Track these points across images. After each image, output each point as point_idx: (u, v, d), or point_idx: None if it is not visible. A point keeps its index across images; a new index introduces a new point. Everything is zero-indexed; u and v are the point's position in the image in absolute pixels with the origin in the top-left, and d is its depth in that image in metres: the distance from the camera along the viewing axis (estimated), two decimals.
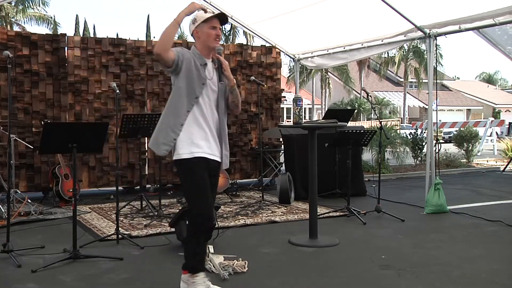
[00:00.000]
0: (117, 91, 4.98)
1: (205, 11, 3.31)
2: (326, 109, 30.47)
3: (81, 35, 33.46)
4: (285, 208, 6.55)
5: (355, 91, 36.04)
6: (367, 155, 9.76)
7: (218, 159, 3.35)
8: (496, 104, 43.64)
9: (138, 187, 7.17)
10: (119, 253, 4.36)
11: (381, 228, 5.48)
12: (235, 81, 3.43)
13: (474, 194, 8.07)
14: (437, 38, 6.47)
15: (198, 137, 3.23)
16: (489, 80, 56.46)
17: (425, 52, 17.16)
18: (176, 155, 3.23)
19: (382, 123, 6.51)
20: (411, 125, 27.30)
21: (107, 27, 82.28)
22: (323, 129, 5.22)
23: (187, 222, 3.38)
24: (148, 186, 8.10)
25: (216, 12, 3.99)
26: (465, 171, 11.30)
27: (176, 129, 3.21)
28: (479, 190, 8.41)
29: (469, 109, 43.96)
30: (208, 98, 3.29)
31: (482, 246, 4.75)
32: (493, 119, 23.37)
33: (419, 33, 6.55)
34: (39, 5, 24.28)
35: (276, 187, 7.52)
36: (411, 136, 11.38)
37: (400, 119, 33.94)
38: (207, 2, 7.91)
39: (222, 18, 3.36)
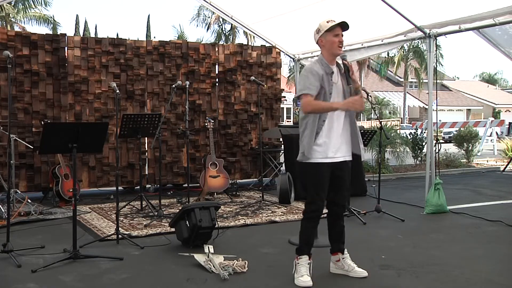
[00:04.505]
0: (117, 91, 4.98)
1: (327, 21, 3.56)
2: None
3: (81, 35, 33.52)
4: (285, 208, 6.55)
5: None
6: (367, 155, 9.73)
7: (343, 158, 3.67)
8: (496, 104, 43.62)
9: (138, 187, 7.17)
10: (119, 253, 4.36)
11: (381, 228, 5.48)
12: (359, 83, 3.68)
13: (474, 194, 8.07)
14: (437, 38, 6.47)
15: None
16: (489, 80, 56.40)
17: (425, 52, 17.19)
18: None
19: (382, 123, 6.50)
20: (411, 125, 27.29)
21: (107, 27, 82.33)
22: None
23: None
24: (148, 186, 8.10)
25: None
26: (465, 171, 11.30)
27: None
28: (479, 190, 8.41)
29: (469, 109, 43.94)
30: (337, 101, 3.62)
31: (482, 246, 4.75)
32: (493, 119, 23.37)
33: (419, 33, 6.55)
34: (41, 5, 24.24)
35: (276, 187, 7.51)
36: (411, 136, 11.37)
37: (400, 119, 33.93)
38: (207, 2, 7.92)
39: (343, 25, 3.58)
